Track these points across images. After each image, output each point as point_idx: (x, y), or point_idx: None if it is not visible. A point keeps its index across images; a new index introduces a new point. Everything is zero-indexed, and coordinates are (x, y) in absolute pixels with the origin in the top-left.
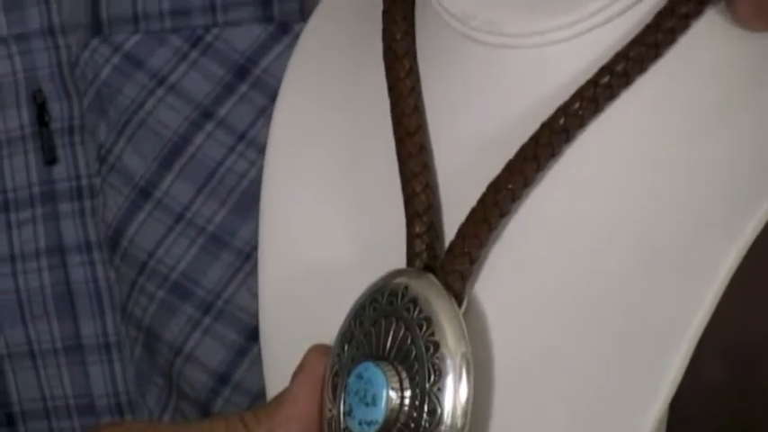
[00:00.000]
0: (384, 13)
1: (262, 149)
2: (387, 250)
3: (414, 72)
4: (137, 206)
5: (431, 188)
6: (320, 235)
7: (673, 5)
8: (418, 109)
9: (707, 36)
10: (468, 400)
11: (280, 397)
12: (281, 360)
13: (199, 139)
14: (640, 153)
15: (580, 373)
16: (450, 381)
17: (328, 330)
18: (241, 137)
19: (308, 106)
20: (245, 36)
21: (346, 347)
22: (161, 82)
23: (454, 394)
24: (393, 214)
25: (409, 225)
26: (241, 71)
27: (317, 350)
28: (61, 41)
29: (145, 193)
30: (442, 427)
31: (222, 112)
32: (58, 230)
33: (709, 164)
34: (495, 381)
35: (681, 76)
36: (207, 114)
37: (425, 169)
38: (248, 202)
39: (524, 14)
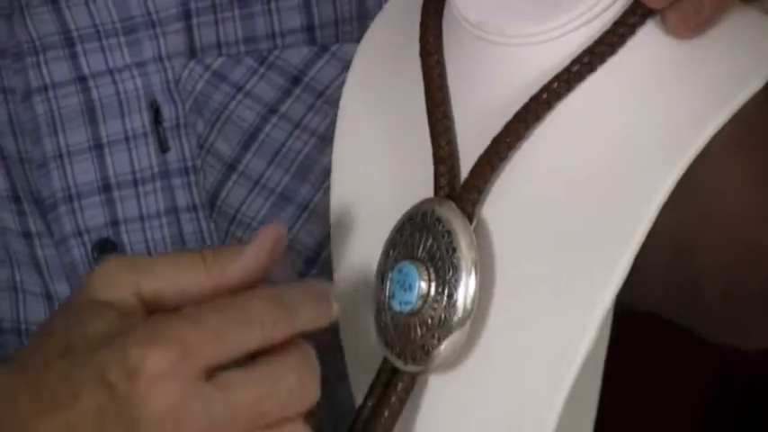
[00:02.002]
0: (421, 24)
1: (312, 133)
2: (420, 186)
3: (441, 63)
4: (226, 177)
5: (452, 142)
6: (375, 176)
7: (624, 17)
8: (443, 88)
9: (647, 40)
10: (476, 288)
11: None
12: (345, 260)
13: (267, 128)
14: (599, 116)
15: (551, 266)
16: (463, 274)
17: (378, 241)
18: (297, 125)
19: (369, 84)
20: (297, 55)
21: (391, 252)
22: (239, 90)
23: (466, 284)
24: (425, 161)
25: (436, 167)
26: (295, 80)
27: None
28: (168, 65)
29: (232, 168)
30: (457, 309)
31: (283, 109)
32: (173, 197)
33: (644, 123)
34: (496, 274)
35: (627, 66)
36: (272, 111)
37: (448, 129)
38: (304, 171)
39: (522, 22)
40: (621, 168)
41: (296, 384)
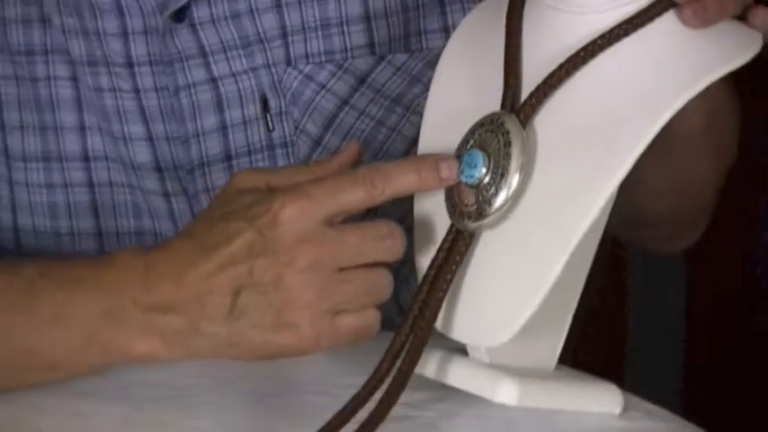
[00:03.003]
0: (510, 2)
1: (372, 118)
2: (491, 104)
3: (519, 25)
4: (313, 150)
5: (518, 77)
6: (459, 99)
7: (654, 5)
8: (518, 43)
9: (666, 21)
10: (522, 167)
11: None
12: (429, 152)
13: (342, 115)
14: (624, 68)
15: (573, 164)
16: (514, 159)
17: (455, 139)
18: (361, 113)
19: (462, 43)
20: (363, 62)
21: (464, 144)
22: (323, 87)
23: (516, 165)
24: (497, 93)
25: (505, 92)
26: (361, 81)
27: (354, 147)
28: (273, 70)
29: (317, 143)
30: (506, 184)
31: (353, 101)
32: (275, 164)
33: (650, 78)
34: (535, 164)
35: (650, 37)
36: (345, 102)
37: (517, 69)
38: (365, 145)
39: None
40: (634, 106)
41: (387, 235)
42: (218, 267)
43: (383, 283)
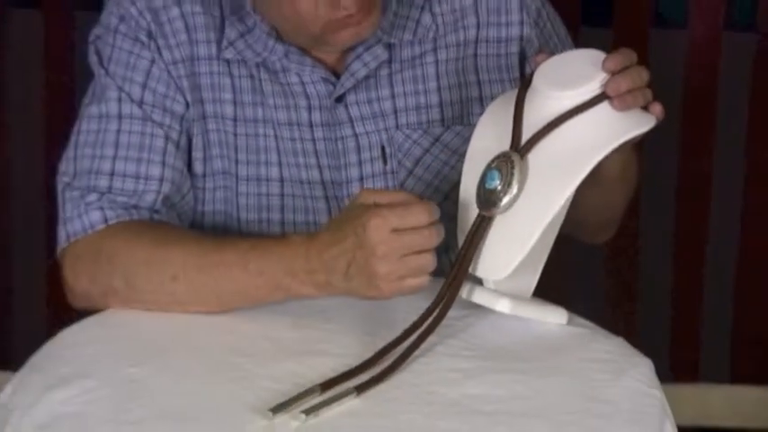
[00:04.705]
0: (518, 93)
1: (441, 161)
2: (504, 146)
3: (522, 106)
4: (407, 176)
5: (520, 132)
6: (487, 144)
7: (597, 97)
8: (521, 114)
9: (604, 105)
10: (520, 182)
11: (402, 194)
12: (470, 171)
13: (425, 157)
14: (580, 129)
15: (549, 178)
16: (515, 177)
17: (484, 164)
18: (435, 157)
19: (490, 116)
20: (438, 129)
21: (489, 166)
22: (414, 142)
23: (516, 180)
24: (508, 138)
25: (512, 140)
26: (437, 139)
27: (427, 204)
28: (388, 131)
29: (409, 172)
30: (511, 191)
31: (431, 150)
32: (386, 184)
33: (593, 135)
34: (528, 178)
35: (596, 113)
36: (427, 151)
37: (520, 129)
38: (438, 172)
39: (556, 89)
40: (584, 150)
41: (431, 235)
42: (339, 252)
43: (429, 262)
